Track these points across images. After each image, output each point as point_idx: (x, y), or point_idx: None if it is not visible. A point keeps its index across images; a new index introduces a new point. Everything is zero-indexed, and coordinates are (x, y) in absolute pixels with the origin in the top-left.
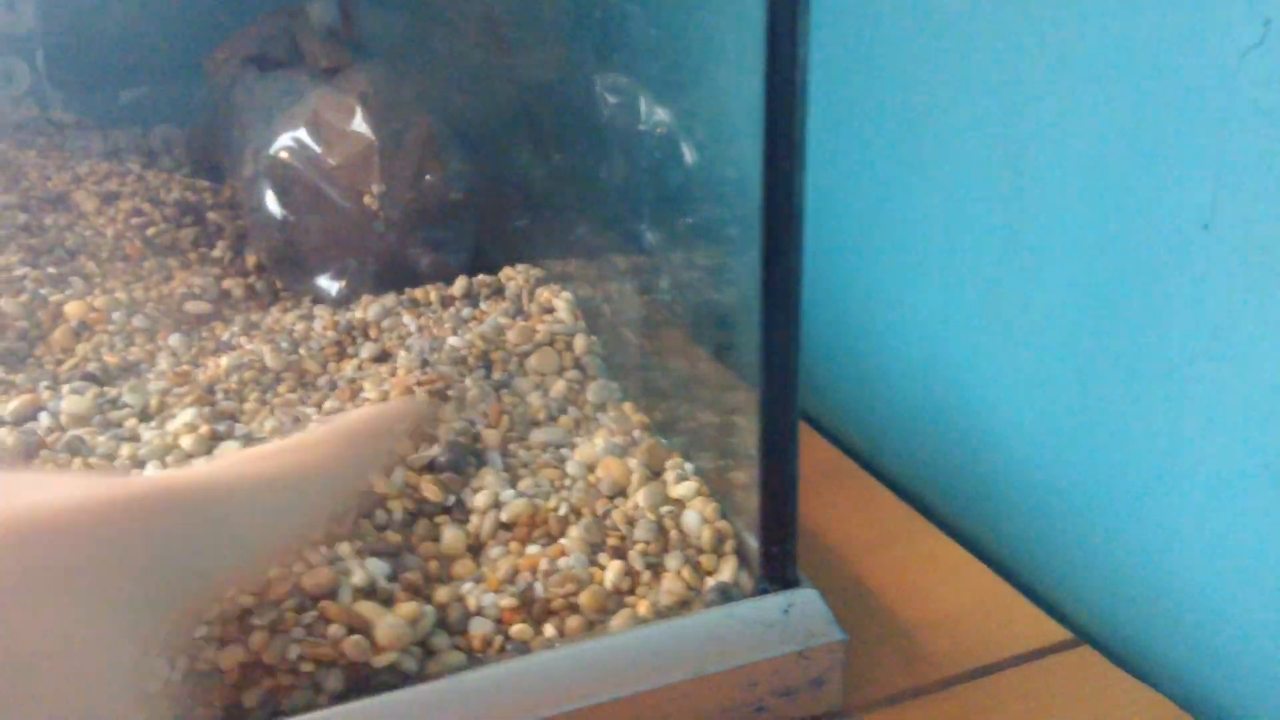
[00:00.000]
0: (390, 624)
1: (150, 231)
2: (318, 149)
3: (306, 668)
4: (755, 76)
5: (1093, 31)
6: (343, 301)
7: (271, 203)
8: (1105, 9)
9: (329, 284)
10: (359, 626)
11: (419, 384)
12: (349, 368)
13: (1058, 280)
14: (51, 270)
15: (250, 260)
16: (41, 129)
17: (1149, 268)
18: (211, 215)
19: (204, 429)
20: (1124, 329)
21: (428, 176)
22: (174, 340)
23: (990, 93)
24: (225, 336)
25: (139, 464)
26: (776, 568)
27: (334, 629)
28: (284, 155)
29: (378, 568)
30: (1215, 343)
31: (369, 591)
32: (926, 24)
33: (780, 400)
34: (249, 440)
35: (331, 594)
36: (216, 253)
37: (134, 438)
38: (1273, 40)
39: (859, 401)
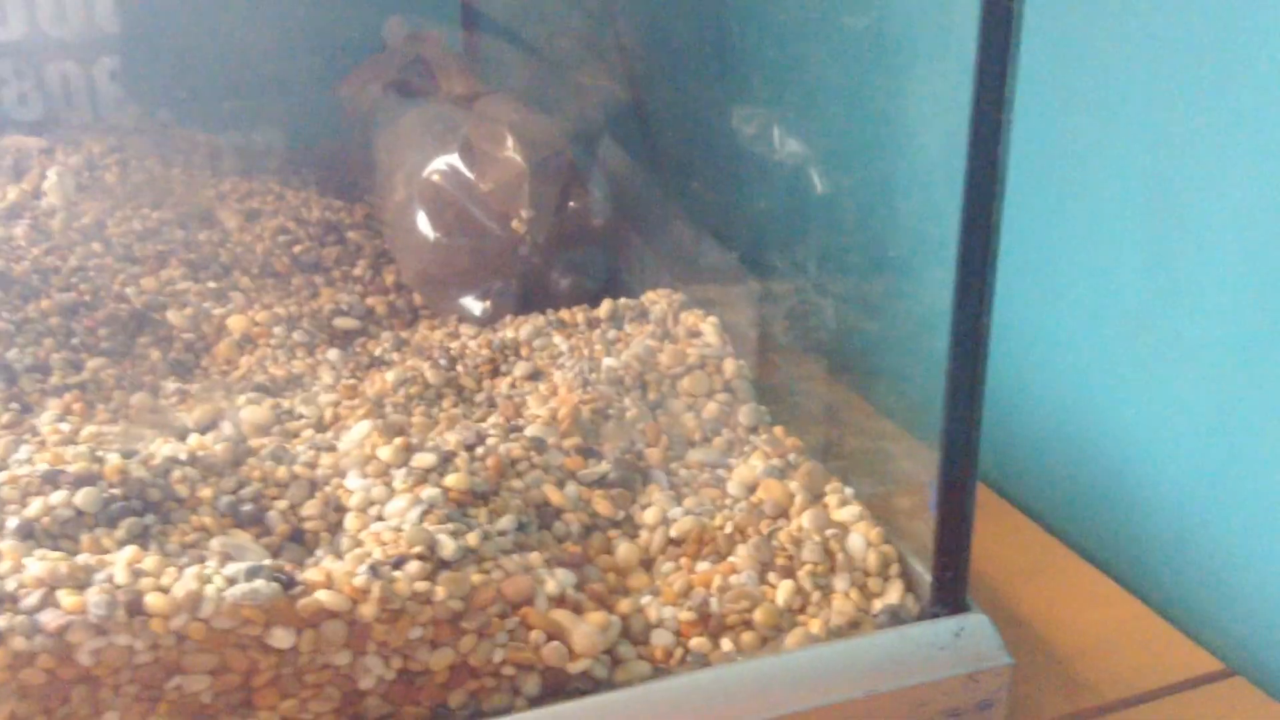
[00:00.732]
0: (586, 631)
1: (297, 249)
2: (470, 174)
3: (508, 671)
4: (940, 108)
5: (1250, 63)
6: (487, 321)
7: (423, 224)
8: (1263, 42)
9: (474, 304)
10: (555, 633)
11: (583, 402)
12: (503, 385)
13: (1209, 313)
14: (212, 285)
15: (389, 279)
16: (163, 138)
17: None
18: (351, 235)
19: (399, 440)
20: (1277, 363)
21: (571, 203)
22: (333, 355)
23: (1143, 124)
24: (378, 352)
25: (341, 473)
26: (948, 592)
27: (534, 635)
28: (437, 179)
29: (566, 577)
30: None
31: (560, 600)
32: (1075, 57)
33: (963, 431)
34: (439, 453)
35: (529, 601)
36: (358, 271)
37: (330, 449)
38: None
39: (1000, 432)
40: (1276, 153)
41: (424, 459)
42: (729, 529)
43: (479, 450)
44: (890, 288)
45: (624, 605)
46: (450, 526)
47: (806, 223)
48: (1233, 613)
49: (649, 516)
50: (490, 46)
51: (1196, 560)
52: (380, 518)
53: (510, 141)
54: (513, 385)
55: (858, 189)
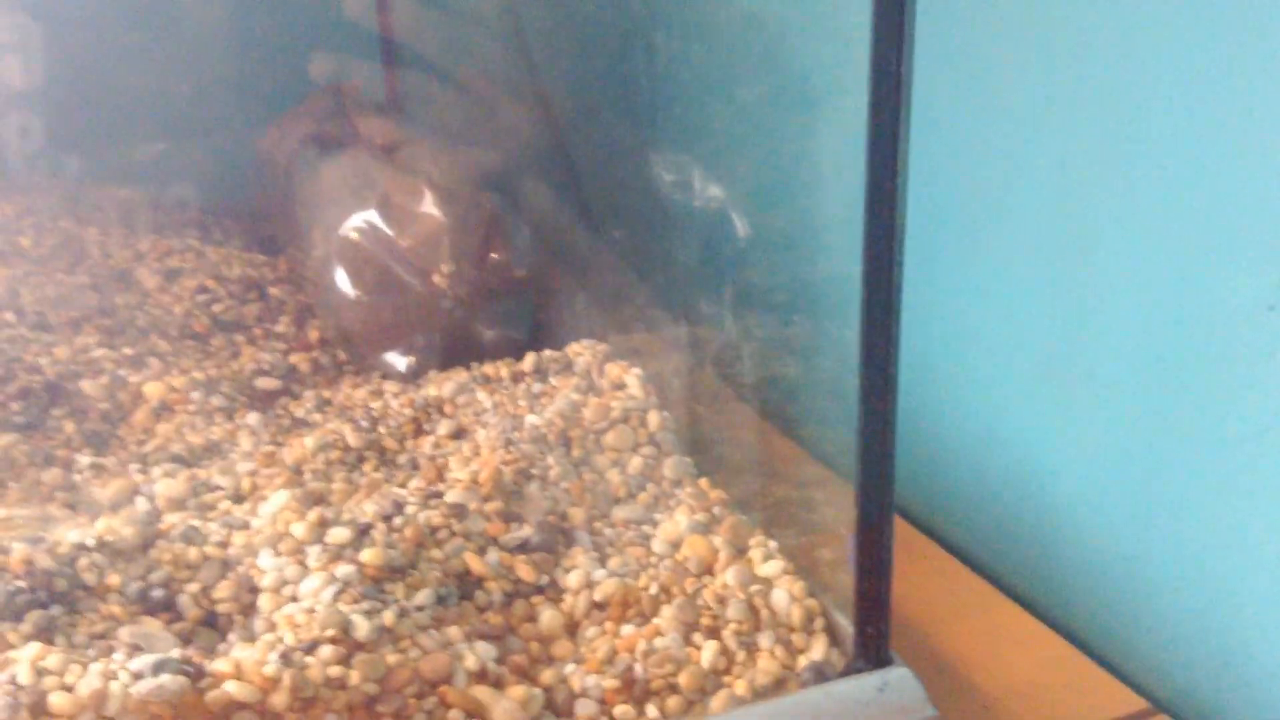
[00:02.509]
0: (506, 708)
1: (216, 308)
2: (389, 230)
3: None
4: (842, 160)
5: (1161, 108)
6: (411, 376)
7: (343, 282)
8: (1174, 85)
9: (397, 359)
10: (475, 711)
11: (505, 463)
12: (426, 445)
13: (1121, 354)
14: (127, 351)
15: (313, 335)
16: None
17: (1214, 345)
18: (273, 290)
19: (314, 515)
20: (1189, 404)
21: (494, 255)
22: (253, 419)
23: (1056, 168)
24: (300, 413)
25: (253, 552)
26: (870, 647)
27: (453, 714)
28: (355, 236)
29: (486, 651)
30: None
31: (480, 675)
32: (986, 97)
33: (876, 483)
34: (355, 526)
35: (448, 679)
36: (280, 328)
37: (244, 526)
38: None
39: (922, 473)
40: (1180, 189)
41: (339, 534)
42: (654, 589)
43: (397, 520)
44: (814, 330)
45: (547, 676)
46: (365, 605)
47: (733, 267)
48: (1154, 652)
49: (573, 580)
50: (413, 84)
51: (1117, 599)
52: (295, 598)
53: (429, 196)
54: (436, 445)
55: (780, 233)
